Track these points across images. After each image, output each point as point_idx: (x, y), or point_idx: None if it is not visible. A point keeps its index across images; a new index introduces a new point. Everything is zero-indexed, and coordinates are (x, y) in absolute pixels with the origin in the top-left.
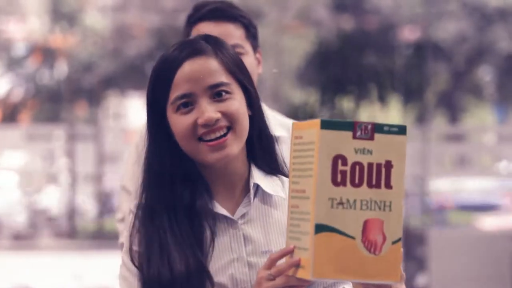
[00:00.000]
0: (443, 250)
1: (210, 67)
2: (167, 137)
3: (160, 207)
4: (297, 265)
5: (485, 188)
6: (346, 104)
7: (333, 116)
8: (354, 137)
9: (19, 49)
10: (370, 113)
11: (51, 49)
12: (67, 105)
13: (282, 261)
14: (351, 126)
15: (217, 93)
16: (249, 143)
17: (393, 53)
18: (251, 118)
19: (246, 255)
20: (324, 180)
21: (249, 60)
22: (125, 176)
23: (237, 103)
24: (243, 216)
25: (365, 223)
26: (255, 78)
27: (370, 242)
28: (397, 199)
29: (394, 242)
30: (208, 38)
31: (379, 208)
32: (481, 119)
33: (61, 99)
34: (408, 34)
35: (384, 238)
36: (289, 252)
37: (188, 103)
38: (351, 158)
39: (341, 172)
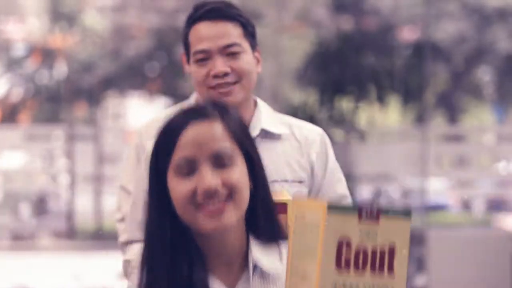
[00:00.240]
0: (442, 251)
1: (214, 132)
2: (167, 206)
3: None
4: None
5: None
6: (345, 104)
7: (332, 116)
8: (360, 220)
9: (19, 49)
10: (369, 113)
11: (50, 50)
12: (66, 105)
13: None
14: (356, 209)
15: (219, 160)
16: (250, 212)
17: (393, 54)
18: (254, 186)
19: None
20: (329, 264)
21: (247, 58)
22: (125, 176)
23: (238, 172)
24: None
25: None
26: (254, 77)
27: None
28: (399, 286)
29: None
30: (214, 103)
31: None
32: (480, 119)
33: (61, 99)
34: (407, 34)
35: None
36: None
37: (189, 168)
38: (356, 242)
39: (346, 257)
